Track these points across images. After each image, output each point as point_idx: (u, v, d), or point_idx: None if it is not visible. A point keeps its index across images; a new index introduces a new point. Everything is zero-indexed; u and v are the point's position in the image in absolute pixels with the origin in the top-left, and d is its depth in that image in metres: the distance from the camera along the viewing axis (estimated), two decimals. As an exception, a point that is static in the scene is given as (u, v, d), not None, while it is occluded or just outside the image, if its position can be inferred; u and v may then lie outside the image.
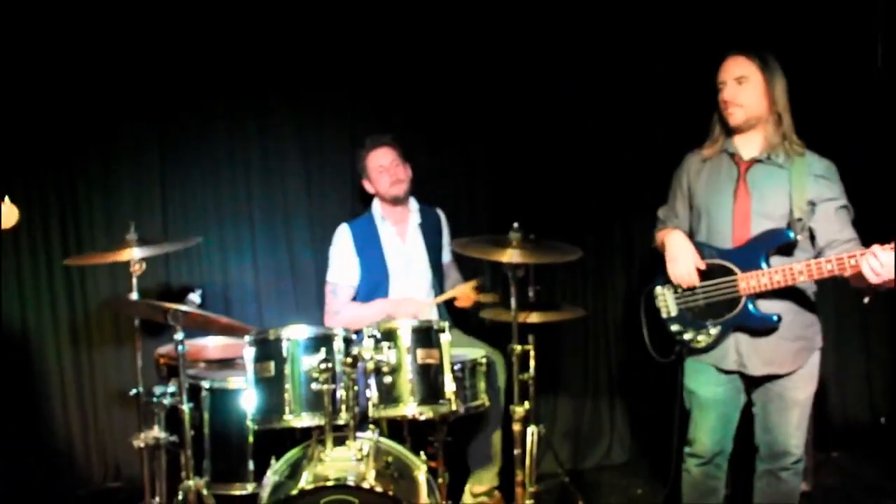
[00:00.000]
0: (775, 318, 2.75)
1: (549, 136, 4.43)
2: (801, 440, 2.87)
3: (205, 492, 3.10)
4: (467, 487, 3.63)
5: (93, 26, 4.10)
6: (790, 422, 2.85)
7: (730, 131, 2.87)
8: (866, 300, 2.71)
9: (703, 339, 2.88)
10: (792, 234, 2.72)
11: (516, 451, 3.03)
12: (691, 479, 3.04)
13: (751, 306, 2.77)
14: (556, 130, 4.42)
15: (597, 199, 4.40)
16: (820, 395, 4.36)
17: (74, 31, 4.10)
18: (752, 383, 2.89)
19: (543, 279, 4.00)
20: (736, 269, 2.78)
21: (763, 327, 2.77)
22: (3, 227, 2.35)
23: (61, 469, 4.35)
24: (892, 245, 2.48)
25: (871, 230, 2.73)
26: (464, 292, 3.66)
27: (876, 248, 2.51)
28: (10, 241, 4.17)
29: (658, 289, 3.01)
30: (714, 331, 2.84)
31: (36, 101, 4.12)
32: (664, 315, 2.99)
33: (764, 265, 2.73)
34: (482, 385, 3.22)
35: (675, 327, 2.95)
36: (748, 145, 2.85)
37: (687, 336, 2.91)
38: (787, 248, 2.76)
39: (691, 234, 2.98)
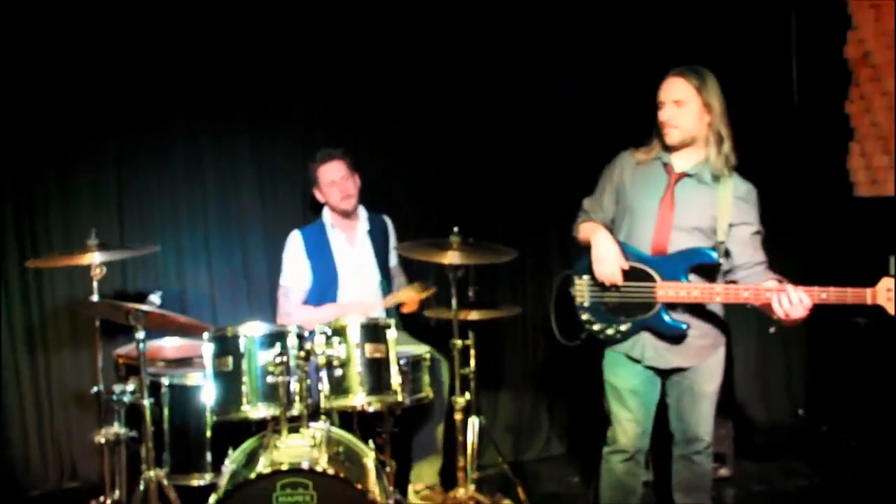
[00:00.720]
0: (684, 326, 2.90)
1: (489, 147, 4.62)
2: (710, 427, 3.04)
3: (165, 482, 3.25)
4: (410, 486, 3.82)
5: (52, 36, 4.20)
6: (701, 412, 3.02)
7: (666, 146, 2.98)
8: (772, 330, 2.89)
9: (611, 333, 3.01)
10: (715, 257, 2.86)
11: (459, 439, 3.27)
12: (613, 478, 3.13)
13: (664, 314, 2.90)
14: (494, 142, 4.62)
15: (534, 203, 4.61)
16: (744, 389, 4.74)
17: (34, 41, 4.19)
18: (663, 376, 3.06)
19: (485, 280, 4.22)
20: (656, 277, 2.90)
21: (671, 334, 2.92)
22: None
23: (15, 471, 4.41)
24: (805, 287, 2.65)
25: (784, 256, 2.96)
26: (409, 294, 3.86)
27: (790, 287, 2.68)
28: None
29: (576, 277, 3.09)
30: (623, 327, 2.98)
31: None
32: (578, 303, 3.08)
33: (683, 279, 2.87)
34: (426, 379, 3.44)
35: (586, 316, 3.06)
36: (683, 159, 2.96)
37: (595, 327, 3.03)
38: (708, 269, 2.90)
39: (612, 229, 3.08)
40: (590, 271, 3.03)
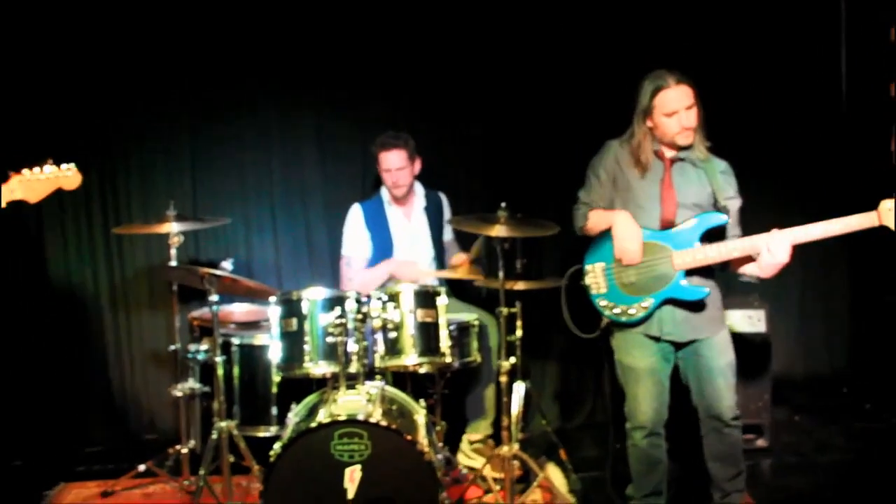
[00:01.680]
0: (706, 290, 3.06)
1: (540, 129, 4.79)
2: (733, 399, 3.15)
3: (235, 433, 3.57)
4: (464, 436, 4.10)
5: (135, 17, 4.55)
6: (719, 387, 3.16)
7: (653, 143, 3.16)
8: (745, 279, 3.14)
9: (633, 313, 3.12)
10: (725, 218, 3.06)
11: (504, 401, 3.52)
12: (639, 453, 3.27)
13: (682, 281, 3.06)
14: (545, 124, 4.79)
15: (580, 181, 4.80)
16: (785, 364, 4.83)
17: (118, 22, 4.55)
18: (678, 352, 3.21)
19: (535, 253, 4.50)
20: (669, 247, 3.07)
21: (694, 300, 3.06)
22: (68, 188, 2.74)
23: (102, 422, 4.82)
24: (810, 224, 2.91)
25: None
26: (461, 259, 4.08)
27: (796, 228, 2.95)
28: (56, 215, 4.64)
29: (588, 266, 3.22)
30: (645, 304, 3.10)
31: (79, 85, 4.57)
32: (594, 292, 3.20)
33: (697, 244, 3.05)
34: (475, 344, 3.71)
35: (604, 303, 3.17)
36: (674, 147, 3.16)
37: (617, 310, 3.15)
38: (717, 233, 3.09)
39: None
40: (603, 258, 3.20)
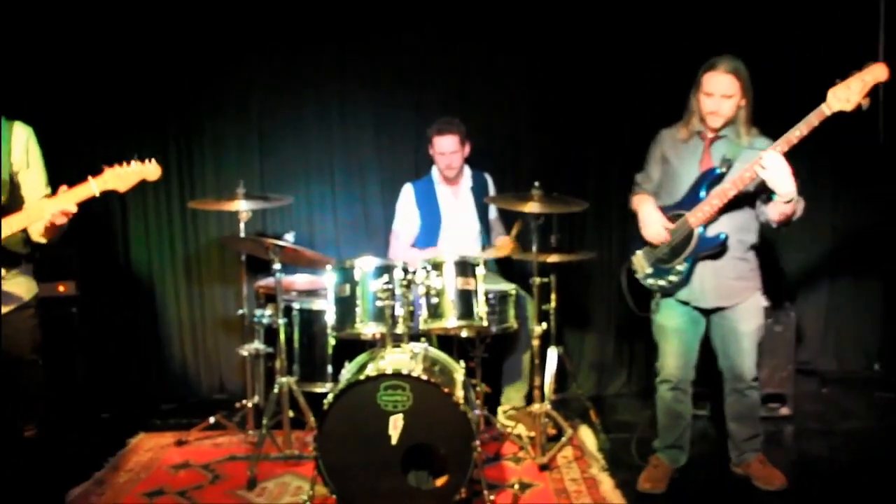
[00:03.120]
0: (723, 236, 3.32)
1: (576, 118, 5.06)
2: (754, 363, 3.49)
3: (294, 387, 3.98)
4: (499, 408, 4.42)
5: (209, 10, 4.94)
6: (743, 349, 3.47)
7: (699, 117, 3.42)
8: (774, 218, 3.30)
9: (675, 278, 3.44)
10: (718, 170, 3.31)
11: (536, 363, 3.84)
12: (664, 405, 3.63)
13: (702, 233, 3.35)
14: (584, 109, 5.05)
15: (618, 160, 4.98)
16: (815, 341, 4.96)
17: (194, 14, 4.94)
18: (706, 317, 3.52)
19: (574, 228, 4.89)
20: (684, 212, 3.38)
21: (715, 247, 3.34)
22: (150, 179, 3.14)
23: (177, 382, 5.27)
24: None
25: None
26: (504, 241, 4.40)
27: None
28: (137, 191, 5.03)
29: (633, 257, 3.60)
30: (681, 267, 3.41)
31: (161, 74, 4.99)
32: (640, 275, 3.57)
33: (703, 195, 3.32)
34: (512, 312, 4.03)
35: (650, 281, 3.53)
36: (712, 127, 3.41)
37: (662, 282, 3.49)
38: (719, 181, 3.32)
39: (660, 194, 3.54)
40: (642, 243, 3.55)
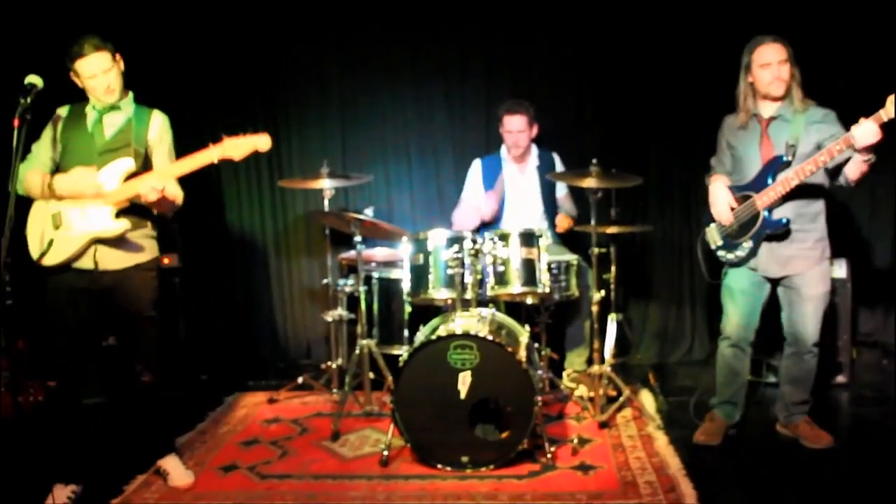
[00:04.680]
0: (785, 220, 3.57)
1: (637, 100, 5.30)
2: (816, 330, 3.67)
3: (374, 349, 4.35)
4: (564, 373, 4.71)
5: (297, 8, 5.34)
6: (806, 313, 3.67)
7: (755, 99, 3.65)
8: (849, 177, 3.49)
9: (742, 253, 3.70)
10: (784, 157, 3.55)
11: (596, 327, 4.12)
12: (723, 361, 3.89)
13: (767, 216, 3.59)
14: (643, 98, 5.30)
15: (679, 140, 5.23)
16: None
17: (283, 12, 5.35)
18: (774, 284, 3.74)
19: (637, 202, 5.15)
20: (752, 194, 3.62)
21: (779, 229, 3.58)
22: (262, 150, 3.48)
23: (266, 348, 5.73)
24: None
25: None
26: (561, 218, 4.72)
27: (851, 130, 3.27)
28: (231, 170, 5.47)
29: (707, 228, 3.88)
30: (747, 244, 3.68)
31: (247, 64, 5.44)
32: (713, 246, 3.85)
33: (770, 182, 3.56)
34: (574, 280, 4.32)
35: (721, 252, 3.81)
36: (767, 108, 3.65)
37: (730, 256, 3.76)
38: (785, 168, 3.54)
39: (733, 176, 3.79)
40: (713, 219, 3.83)
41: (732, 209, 3.72)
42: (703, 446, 3.82)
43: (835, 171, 3.57)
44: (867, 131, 3.22)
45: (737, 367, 3.88)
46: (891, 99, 3.17)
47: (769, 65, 3.57)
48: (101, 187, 3.27)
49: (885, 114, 3.19)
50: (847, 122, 3.39)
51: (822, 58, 4.52)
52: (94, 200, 3.28)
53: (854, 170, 3.46)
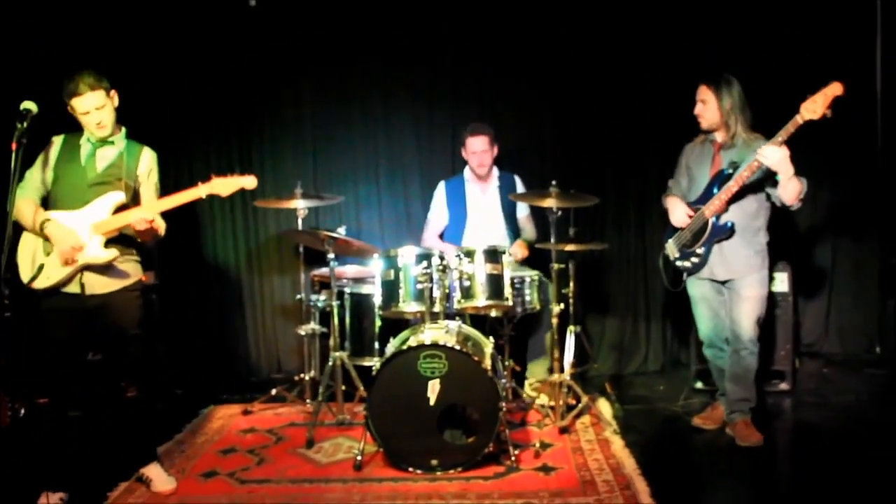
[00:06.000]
0: (730, 224, 3.98)
1: (594, 126, 5.59)
2: (751, 327, 4.04)
3: (346, 360, 4.55)
4: (526, 378, 4.97)
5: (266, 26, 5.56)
6: (743, 312, 4.04)
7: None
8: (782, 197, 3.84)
9: (696, 260, 4.11)
10: (726, 171, 3.96)
11: (555, 338, 4.39)
12: (709, 361, 4.37)
13: (714, 222, 4.00)
14: (600, 122, 5.59)
15: (634, 162, 5.57)
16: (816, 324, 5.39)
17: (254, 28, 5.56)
18: (724, 287, 4.11)
19: (595, 221, 5.44)
20: (701, 206, 4.04)
21: (725, 233, 3.98)
22: (248, 188, 3.74)
23: (241, 361, 5.86)
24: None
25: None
26: (517, 249, 4.97)
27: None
28: None
29: (666, 244, 4.29)
30: (700, 250, 4.08)
31: (221, 88, 5.62)
32: (672, 258, 4.25)
33: (716, 192, 3.96)
34: (535, 295, 4.58)
35: (679, 263, 4.21)
36: (720, 135, 4.07)
37: (687, 264, 4.16)
38: (727, 180, 3.92)
39: (687, 195, 4.20)
40: (671, 233, 4.24)
41: (690, 217, 4.11)
42: (655, 448, 4.14)
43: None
44: (769, 151, 3.67)
45: (719, 364, 4.29)
46: (804, 104, 3.57)
47: (697, 102, 4.09)
48: (78, 252, 3.47)
49: (801, 117, 3.60)
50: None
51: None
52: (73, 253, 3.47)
53: (783, 191, 3.83)
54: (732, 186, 3.89)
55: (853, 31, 5.44)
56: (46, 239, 3.49)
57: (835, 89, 3.54)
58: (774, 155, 3.68)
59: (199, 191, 3.61)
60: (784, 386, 4.93)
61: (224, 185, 3.66)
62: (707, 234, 4.03)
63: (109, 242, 3.57)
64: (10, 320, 3.45)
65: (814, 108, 3.56)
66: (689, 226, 4.12)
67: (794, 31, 5.40)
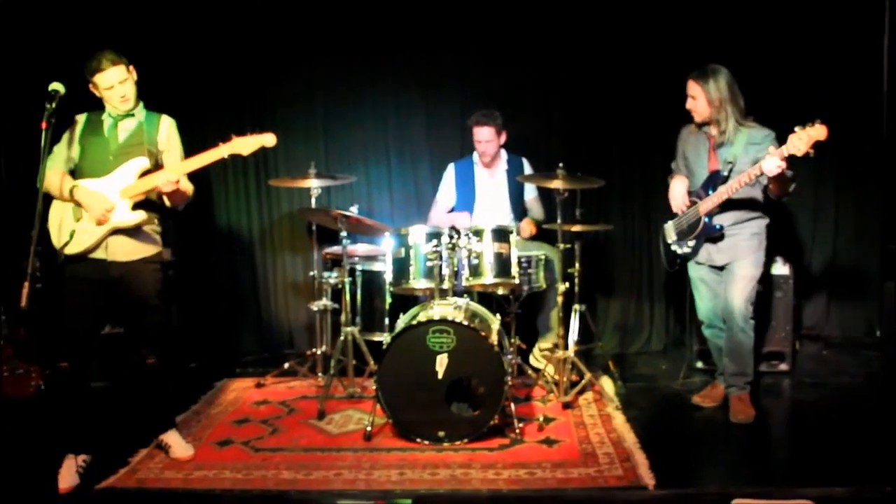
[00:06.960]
0: (720, 226, 4.10)
1: (601, 110, 5.68)
2: (745, 309, 4.13)
3: (357, 335, 4.70)
4: (535, 347, 5.13)
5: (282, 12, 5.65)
6: (737, 289, 4.14)
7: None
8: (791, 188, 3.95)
9: (688, 249, 4.28)
10: (722, 173, 4.04)
11: (560, 316, 4.53)
12: (709, 341, 4.49)
13: (706, 221, 4.13)
14: (606, 106, 5.67)
15: (641, 146, 5.64)
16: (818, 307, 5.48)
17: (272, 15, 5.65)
18: (721, 271, 4.23)
19: (601, 204, 5.52)
20: (697, 200, 4.16)
21: (715, 234, 4.11)
22: (269, 146, 3.78)
23: (252, 339, 6.02)
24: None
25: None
26: (525, 226, 5.10)
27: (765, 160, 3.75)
28: (220, 169, 5.74)
29: (665, 226, 4.43)
30: (692, 243, 4.25)
31: (235, 72, 5.73)
32: (669, 241, 4.41)
33: (710, 192, 4.07)
34: (541, 273, 4.72)
35: (674, 247, 4.39)
36: (713, 128, 4.13)
37: (682, 250, 4.33)
38: (723, 181, 4.01)
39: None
40: (670, 219, 4.38)
41: (688, 204, 4.23)
42: (655, 424, 4.28)
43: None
44: (771, 164, 3.71)
45: (716, 343, 4.43)
46: (791, 137, 3.60)
47: (687, 98, 4.15)
48: (110, 212, 3.61)
49: (787, 150, 3.63)
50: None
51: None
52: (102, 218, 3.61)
53: (773, 187, 3.95)
54: (724, 193, 4.00)
55: (860, 20, 5.46)
56: (78, 205, 3.63)
57: (819, 133, 3.54)
58: (776, 167, 3.71)
59: (221, 150, 3.72)
60: (783, 367, 5.05)
61: (244, 144, 3.75)
62: (699, 230, 4.17)
63: (136, 206, 3.70)
64: (41, 292, 3.58)
65: (798, 144, 3.58)
66: (686, 215, 4.25)
67: (803, 16, 5.44)
